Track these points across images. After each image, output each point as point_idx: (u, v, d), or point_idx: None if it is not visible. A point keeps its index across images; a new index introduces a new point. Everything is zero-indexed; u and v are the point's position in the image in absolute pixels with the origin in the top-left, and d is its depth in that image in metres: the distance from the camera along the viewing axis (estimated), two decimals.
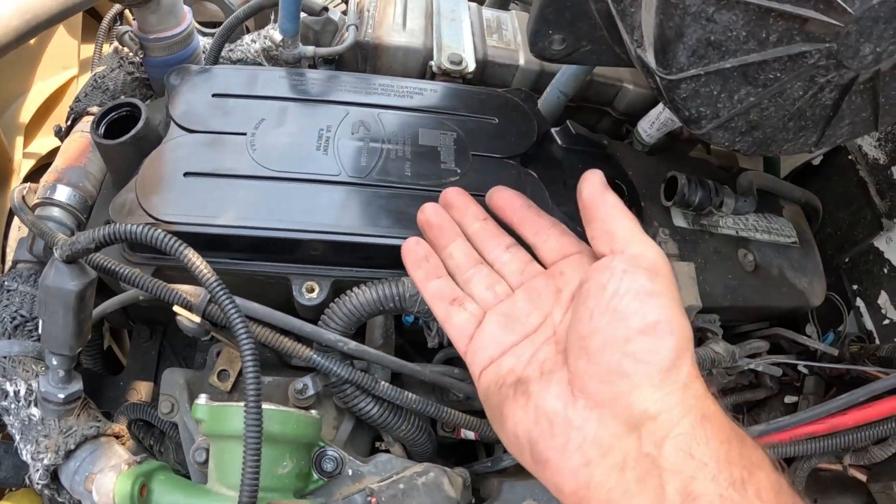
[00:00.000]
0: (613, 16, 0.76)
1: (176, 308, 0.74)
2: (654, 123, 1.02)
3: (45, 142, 1.21)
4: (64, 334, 0.74)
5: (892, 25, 0.64)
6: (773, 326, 1.12)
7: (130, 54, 1.02)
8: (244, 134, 0.82)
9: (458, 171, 0.83)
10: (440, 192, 0.76)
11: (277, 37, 0.90)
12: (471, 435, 0.91)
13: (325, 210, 0.77)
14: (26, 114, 1.17)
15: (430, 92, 0.91)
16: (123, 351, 1.28)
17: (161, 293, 0.74)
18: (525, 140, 0.89)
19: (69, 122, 1.00)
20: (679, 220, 1.01)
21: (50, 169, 0.95)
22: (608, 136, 1.06)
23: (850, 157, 1.23)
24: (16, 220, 1.17)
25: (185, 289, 0.76)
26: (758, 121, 0.78)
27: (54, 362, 0.76)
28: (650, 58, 0.71)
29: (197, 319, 0.74)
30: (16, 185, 1.15)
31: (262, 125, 0.83)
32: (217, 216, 0.77)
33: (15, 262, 0.94)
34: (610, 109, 1.08)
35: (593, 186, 0.65)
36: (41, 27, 0.85)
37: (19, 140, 1.15)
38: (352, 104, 0.86)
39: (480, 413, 0.89)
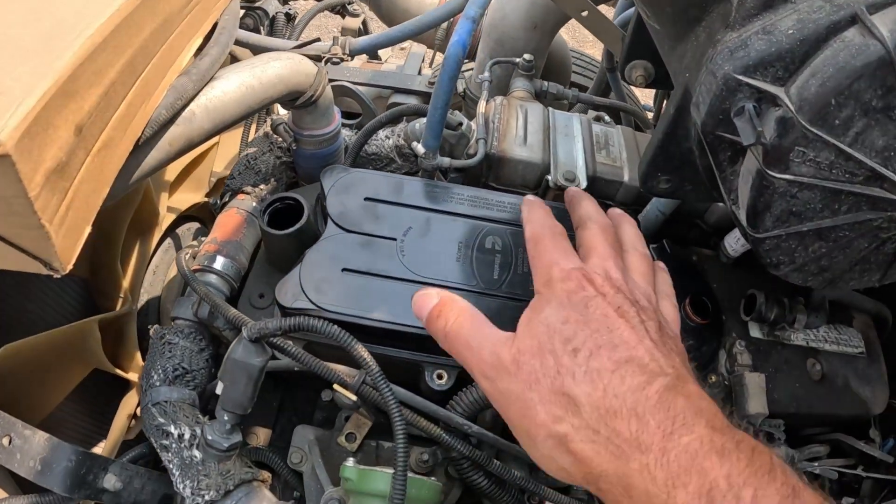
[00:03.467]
0: (714, 174, 1.02)
1: (335, 386, 1.02)
2: (740, 240, 1.27)
3: (184, 197, 1.51)
4: (242, 398, 1.02)
5: None
6: (834, 431, 1.36)
7: (279, 140, 1.31)
8: (394, 239, 1.10)
9: None
10: None
11: (420, 150, 1.17)
12: None
13: None
14: (171, 173, 1.47)
15: (554, 212, 1.17)
16: None
17: (324, 373, 1.02)
18: None
19: (224, 198, 1.29)
20: (755, 332, 1.26)
21: (208, 239, 1.23)
22: (696, 246, 1.32)
23: None
24: (151, 265, 1.48)
25: (340, 369, 1.03)
26: (828, 265, 1.04)
27: (225, 418, 1.04)
28: (742, 217, 0.98)
29: (353, 397, 1.02)
30: (158, 235, 1.45)
31: (409, 233, 1.10)
32: (370, 311, 1.04)
33: (174, 318, 1.22)
34: (700, 222, 1.34)
35: None
36: (225, 128, 1.14)
37: (164, 196, 1.45)
38: (487, 220, 1.13)
39: (564, 489, 1.16)
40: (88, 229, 0.84)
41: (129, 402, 1.45)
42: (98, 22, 0.83)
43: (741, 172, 0.97)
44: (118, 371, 1.41)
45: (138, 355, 1.45)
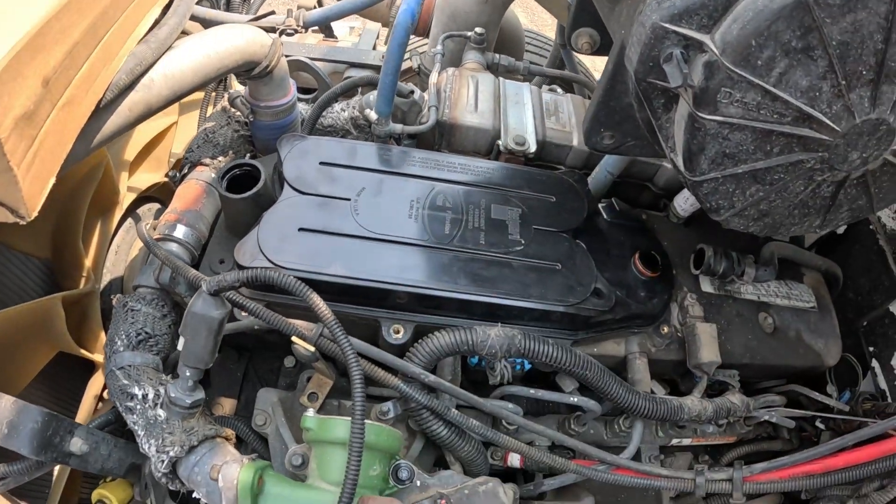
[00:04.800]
0: (653, 125, 1.13)
1: (294, 339, 1.12)
2: (689, 199, 1.39)
3: (144, 177, 1.60)
4: (203, 352, 1.11)
5: (875, 136, 1.02)
6: (790, 383, 1.47)
7: (237, 114, 1.41)
8: (348, 199, 1.20)
9: (522, 241, 1.20)
10: (508, 259, 1.14)
11: (373, 116, 1.28)
12: (517, 462, 1.27)
13: (414, 268, 1.14)
14: (131, 152, 1.57)
15: (501, 171, 1.28)
16: None
17: (282, 327, 1.11)
18: (577, 216, 1.26)
19: (184, 170, 1.38)
20: (706, 286, 1.37)
21: (168, 209, 1.33)
22: (648, 209, 1.43)
23: (870, 226, 1.59)
24: (113, 245, 1.57)
25: (299, 323, 1.13)
26: (767, 210, 1.15)
27: (187, 374, 1.13)
28: (679, 162, 1.09)
29: (311, 349, 1.11)
30: (119, 214, 1.54)
31: (363, 193, 1.21)
32: (326, 267, 1.14)
33: (136, 286, 1.31)
34: (650, 184, 1.45)
35: None
36: (183, 95, 1.24)
37: (124, 175, 1.54)
38: (438, 180, 1.24)
39: (527, 442, 1.25)
40: (53, 180, 0.94)
41: (96, 384, 1.53)
42: None
43: (675, 119, 1.09)
44: (83, 352, 1.49)
45: (102, 335, 1.53)
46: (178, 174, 1.39)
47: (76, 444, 1.17)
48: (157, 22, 1.21)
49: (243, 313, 1.19)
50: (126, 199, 1.56)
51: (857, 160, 1.05)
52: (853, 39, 0.92)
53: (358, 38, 1.88)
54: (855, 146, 1.02)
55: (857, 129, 0.99)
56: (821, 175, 1.08)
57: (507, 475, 1.39)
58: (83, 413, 1.49)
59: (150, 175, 1.63)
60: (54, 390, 1.57)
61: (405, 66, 1.76)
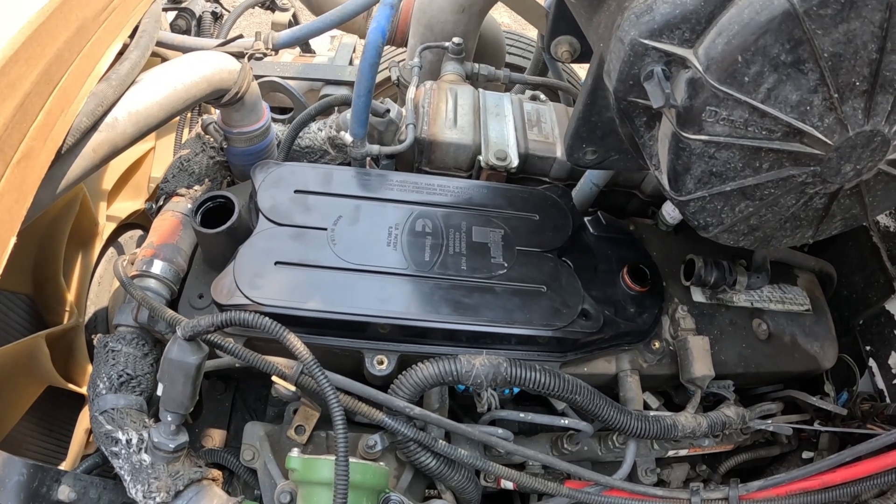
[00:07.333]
0: (636, 140, 1.08)
1: (274, 378, 1.08)
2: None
3: (123, 206, 1.56)
4: (182, 397, 1.07)
5: (869, 148, 0.97)
6: (786, 388, 1.43)
7: (212, 140, 1.36)
8: (325, 229, 1.16)
9: (506, 264, 1.16)
10: (491, 284, 1.10)
11: (348, 138, 1.23)
12: (510, 485, 1.24)
13: (395, 299, 1.10)
14: (108, 181, 1.52)
15: (482, 191, 1.24)
16: None
17: (262, 366, 1.07)
18: (562, 234, 1.22)
19: (160, 202, 1.34)
20: (697, 296, 1.33)
21: (145, 244, 1.29)
22: (636, 217, 1.39)
23: (864, 223, 1.54)
24: (95, 277, 1.53)
25: (279, 361, 1.09)
26: (757, 224, 1.10)
27: (169, 418, 1.10)
28: (664, 181, 1.04)
29: (292, 388, 1.07)
30: (99, 245, 1.50)
31: (339, 222, 1.16)
32: (305, 301, 1.10)
33: (116, 326, 1.27)
34: (638, 192, 1.40)
35: None
36: (150, 131, 1.20)
37: (102, 205, 1.50)
38: (416, 203, 1.19)
39: (519, 466, 1.22)
40: (13, 240, 0.90)
41: (86, 417, 1.50)
42: (7, 35, 0.89)
43: (659, 137, 1.04)
44: (71, 386, 1.46)
45: (90, 368, 1.49)
46: (153, 206, 1.35)
47: (64, 493, 1.15)
48: (119, 55, 1.16)
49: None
50: (106, 228, 1.52)
51: (850, 172, 1.00)
52: (846, 50, 0.86)
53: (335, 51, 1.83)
54: (848, 159, 0.97)
55: (850, 141, 0.94)
56: (813, 188, 1.03)
57: (502, 496, 1.36)
58: (75, 447, 1.46)
59: (129, 203, 1.59)
60: (47, 423, 1.55)
61: (383, 77, 1.71)
